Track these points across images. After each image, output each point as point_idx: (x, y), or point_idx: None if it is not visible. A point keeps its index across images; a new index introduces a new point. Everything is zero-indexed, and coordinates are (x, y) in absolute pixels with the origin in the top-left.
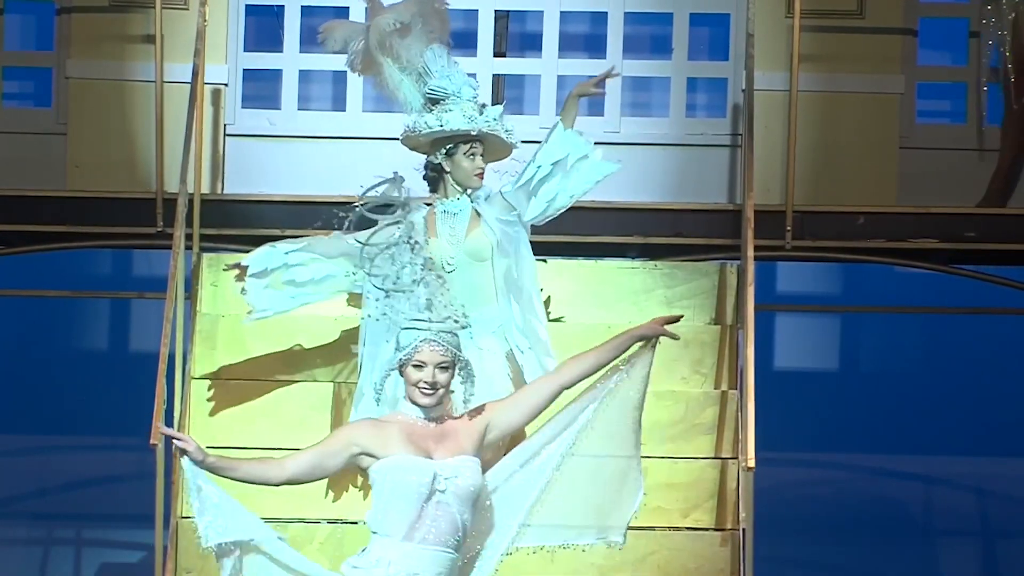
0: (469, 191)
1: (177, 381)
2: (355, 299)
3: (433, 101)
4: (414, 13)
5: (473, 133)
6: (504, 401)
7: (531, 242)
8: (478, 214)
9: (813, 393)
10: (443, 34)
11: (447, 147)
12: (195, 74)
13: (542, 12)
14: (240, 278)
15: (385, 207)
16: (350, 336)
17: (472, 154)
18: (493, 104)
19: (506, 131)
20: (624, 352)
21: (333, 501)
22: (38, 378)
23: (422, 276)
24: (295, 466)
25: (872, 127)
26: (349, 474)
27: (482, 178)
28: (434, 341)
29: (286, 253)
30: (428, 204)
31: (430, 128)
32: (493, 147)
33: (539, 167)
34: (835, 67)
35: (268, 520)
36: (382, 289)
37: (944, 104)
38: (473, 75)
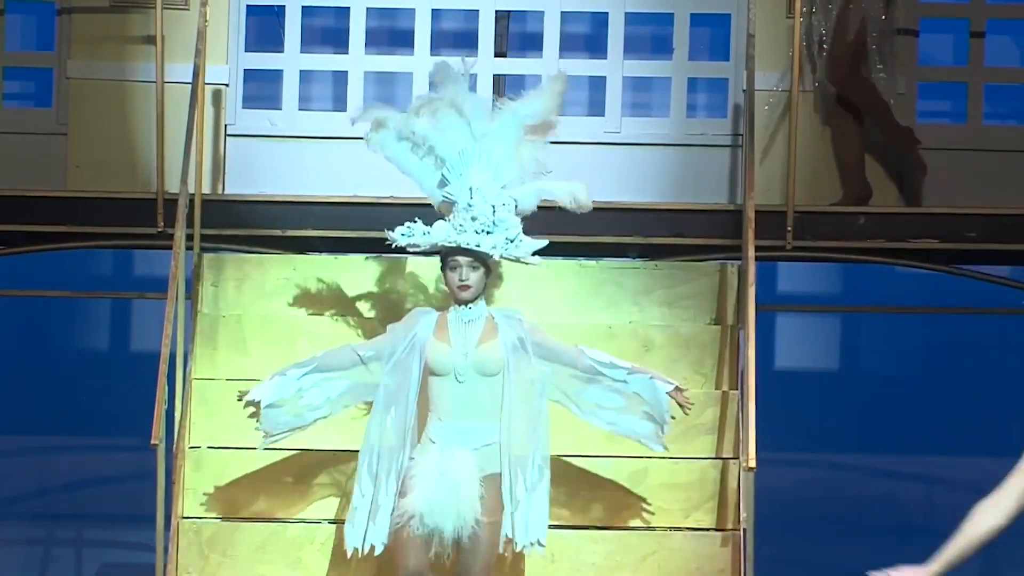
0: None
1: (178, 381)
2: (353, 300)
3: (446, 207)
4: (450, 103)
5: (449, 245)
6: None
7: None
8: (495, 326)
9: (814, 393)
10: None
11: (440, 257)
12: (196, 74)
13: (543, 12)
14: (254, 414)
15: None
16: (350, 336)
17: (454, 267)
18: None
19: (493, 247)
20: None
21: (333, 501)
22: (39, 378)
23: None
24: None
25: (871, 127)
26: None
27: (467, 291)
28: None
29: (298, 379)
30: (440, 309)
31: (421, 241)
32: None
33: (629, 377)
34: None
35: (268, 520)
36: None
37: (944, 104)
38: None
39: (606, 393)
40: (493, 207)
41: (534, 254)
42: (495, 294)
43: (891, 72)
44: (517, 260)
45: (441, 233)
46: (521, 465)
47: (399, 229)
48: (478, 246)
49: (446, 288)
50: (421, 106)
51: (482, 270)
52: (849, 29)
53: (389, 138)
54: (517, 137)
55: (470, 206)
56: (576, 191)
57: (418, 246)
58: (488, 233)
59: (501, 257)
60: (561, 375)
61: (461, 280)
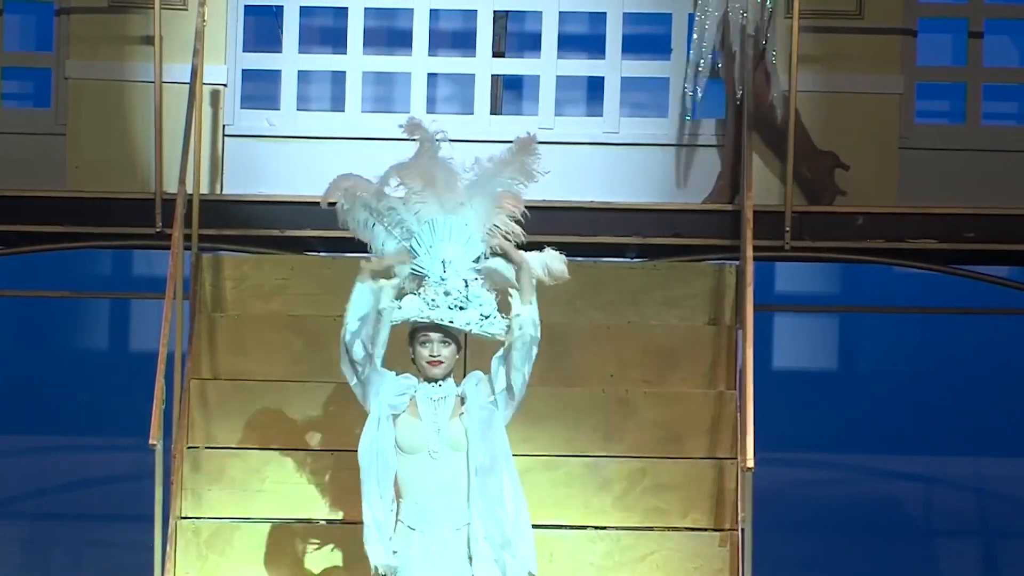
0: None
1: (176, 381)
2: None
3: (416, 280)
4: (424, 178)
5: (422, 321)
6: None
7: (531, 242)
8: (462, 401)
9: (812, 393)
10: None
11: (409, 330)
12: (194, 74)
13: (541, 12)
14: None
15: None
16: None
17: (424, 342)
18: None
19: (467, 323)
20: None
21: (330, 501)
22: (38, 378)
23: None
24: None
25: (871, 127)
26: (344, 474)
27: (439, 367)
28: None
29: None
30: (409, 377)
31: (394, 318)
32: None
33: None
34: (834, 67)
35: (268, 520)
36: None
37: (943, 104)
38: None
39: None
40: (465, 282)
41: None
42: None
43: (774, 71)
44: (492, 337)
45: (413, 308)
46: (492, 511)
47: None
48: (451, 322)
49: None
50: (392, 175)
51: (453, 346)
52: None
53: (358, 209)
54: (489, 209)
55: (443, 280)
56: (550, 262)
57: (392, 321)
58: (461, 309)
59: (474, 334)
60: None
61: (432, 356)
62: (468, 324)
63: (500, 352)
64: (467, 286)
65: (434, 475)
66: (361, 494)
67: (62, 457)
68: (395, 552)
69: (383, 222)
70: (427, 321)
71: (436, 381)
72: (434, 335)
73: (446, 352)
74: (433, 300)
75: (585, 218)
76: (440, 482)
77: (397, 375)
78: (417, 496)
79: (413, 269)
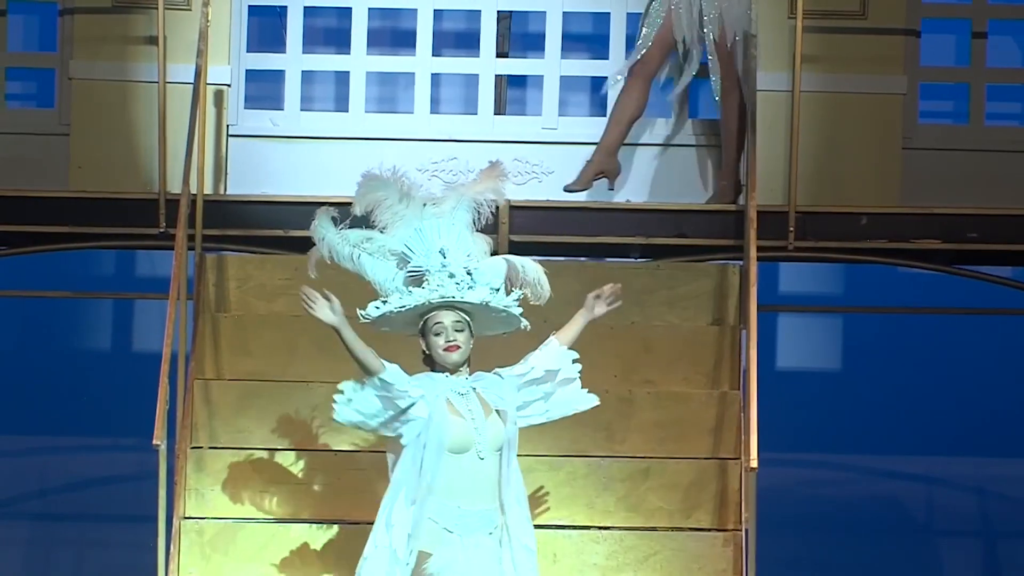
0: (466, 372)
1: (180, 382)
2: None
3: (414, 282)
4: (395, 196)
5: (433, 303)
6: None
7: (532, 242)
8: (482, 397)
9: (815, 393)
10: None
11: (418, 324)
12: (198, 75)
13: (544, 12)
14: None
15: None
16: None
17: (438, 331)
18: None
19: (480, 299)
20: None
21: (334, 501)
22: (41, 379)
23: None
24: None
25: (874, 127)
26: (348, 474)
27: (456, 351)
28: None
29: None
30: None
31: (400, 303)
32: (483, 317)
33: (532, 367)
34: (837, 68)
35: (272, 520)
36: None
37: (947, 104)
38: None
39: (527, 389)
40: (467, 270)
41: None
42: None
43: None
44: (507, 314)
45: (422, 293)
46: (525, 514)
47: (372, 304)
48: (463, 298)
49: (427, 364)
50: (361, 197)
51: (467, 331)
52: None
53: (339, 246)
54: (467, 222)
55: (444, 266)
56: (540, 276)
57: (401, 307)
58: (470, 288)
59: (489, 306)
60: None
61: (448, 341)
62: (481, 298)
63: (520, 375)
64: (469, 274)
65: (477, 477)
66: (380, 511)
67: (65, 457)
68: (430, 555)
69: (365, 249)
70: (440, 300)
71: (454, 372)
72: (447, 320)
73: (461, 337)
74: (440, 285)
75: (589, 218)
76: (482, 484)
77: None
78: (459, 498)
79: (410, 272)
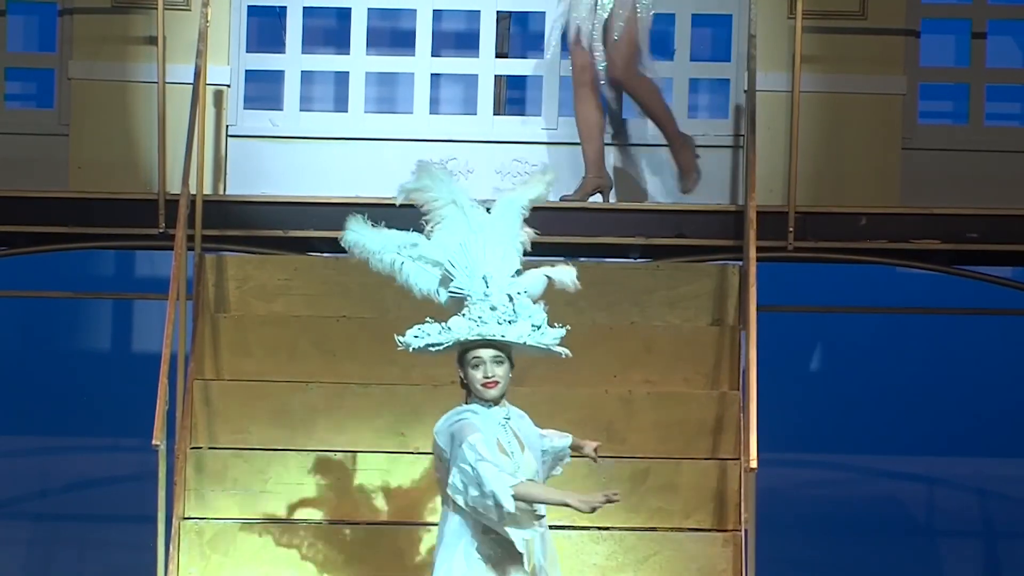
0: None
1: (179, 382)
2: (355, 303)
3: (456, 304)
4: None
5: (474, 339)
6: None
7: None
8: (514, 429)
9: (815, 394)
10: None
11: (457, 355)
12: (197, 75)
13: (543, 13)
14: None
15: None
16: (351, 336)
17: (477, 364)
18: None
19: (519, 336)
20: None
21: (334, 502)
22: (41, 379)
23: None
24: None
25: (874, 128)
26: (348, 475)
27: (495, 387)
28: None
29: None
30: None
31: (439, 339)
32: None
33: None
34: (837, 68)
35: (271, 521)
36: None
37: (946, 105)
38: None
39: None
40: (509, 296)
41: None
42: None
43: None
44: (546, 350)
45: (462, 328)
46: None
47: (410, 332)
48: (503, 336)
49: (464, 388)
50: (410, 192)
51: (507, 364)
52: (617, 30)
53: (384, 253)
54: (517, 225)
55: (486, 296)
56: (572, 277)
57: (438, 345)
58: (511, 323)
59: (527, 346)
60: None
61: (487, 376)
62: (520, 337)
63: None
64: (511, 300)
65: None
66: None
67: (65, 458)
68: None
69: (410, 255)
70: (479, 339)
71: (491, 403)
72: (486, 354)
73: (500, 371)
74: (480, 317)
75: (589, 218)
76: None
77: (458, 410)
78: (484, 529)
79: (452, 292)
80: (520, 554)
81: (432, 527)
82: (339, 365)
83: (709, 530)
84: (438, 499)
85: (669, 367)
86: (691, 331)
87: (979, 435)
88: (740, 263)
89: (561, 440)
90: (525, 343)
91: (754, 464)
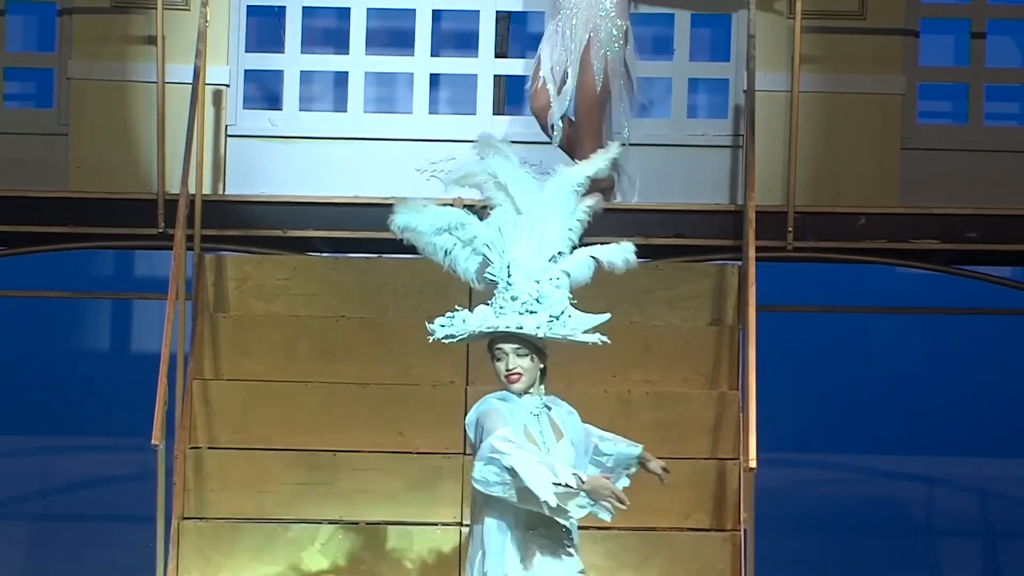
0: (540, 390)
1: (179, 382)
2: (354, 302)
3: (490, 289)
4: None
5: (487, 332)
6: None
7: None
8: (553, 420)
9: (814, 394)
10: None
11: (487, 344)
12: (196, 75)
13: (543, 13)
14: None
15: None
16: (350, 336)
17: (500, 356)
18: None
19: (536, 328)
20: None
21: (333, 502)
22: (40, 379)
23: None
24: None
25: (873, 128)
26: (348, 474)
27: (518, 380)
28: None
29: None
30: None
31: (458, 330)
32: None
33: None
34: (836, 68)
35: (268, 520)
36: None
37: (946, 105)
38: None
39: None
40: (537, 282)
41: (589, 331)
42: None
43: (627, 109)
44: (564, 339)
45: (478, 319)
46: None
47: (439, 320)
48: (520, 328)
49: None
50: (462, 178)
51: (530, 356)
52: (591, 71)
53: (434, 236)
54: (568, 204)
55: (509, 285)
56: (628, 254)
57: (454, 337)
58: (532, 313)
59: (547, 338)
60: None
61: (508, 369)
62: (538, 328)
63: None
64: (539, 286)
65: None
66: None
67: (64, 458)
68: None
69: (460, 238)
70: (491, 331)
71: (521, 394)
72: (508, 346)
73: (524, 363)
74: (501, 308)
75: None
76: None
77: (486, 397)
78: (539, 525)
79: (486, 278)
80: (567, 544)
81: (432, 526)
82: (338, 365)
83: (708, 530)
84: (437, 498)
85: (668, 367)
86: (690, 331)
87: (979, 435)
88: (739, 263)
89: (629, 448)
90: (541, 336)
91: (753, 464)
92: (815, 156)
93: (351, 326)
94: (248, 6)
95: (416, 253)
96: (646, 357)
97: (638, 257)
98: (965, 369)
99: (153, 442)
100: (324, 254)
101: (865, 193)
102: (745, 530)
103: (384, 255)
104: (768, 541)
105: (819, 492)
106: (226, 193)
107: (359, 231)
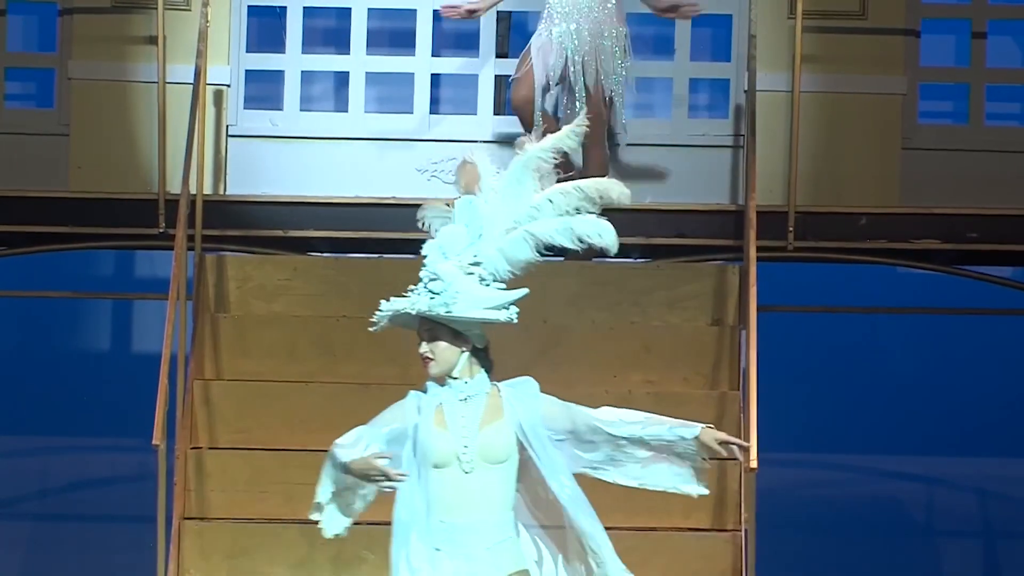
0: (468, 376)
1: (179, 382)
2: (355, 303)
3: None
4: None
5: (385, 314)
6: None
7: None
8: (500, 402)
9: (815, 394)
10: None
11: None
12: (197, 75)
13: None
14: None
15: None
16: (351, 336)
17: (418, 340)
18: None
19: (416, 309)
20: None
21: None
22: (40, 379)
23: None
24: None
25: (874, 128)
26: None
27: (429, 364)
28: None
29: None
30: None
31: (382, 315)
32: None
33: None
34: (837, 68)
35: (268, 520)
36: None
37: (946, 105)
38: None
39: (623, 449)
40: (451, 263)
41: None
42: None
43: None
44: (453, 318)
45: (391, 303)
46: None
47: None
48: (402, 309)
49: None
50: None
51: (442, 341)
52: (596, 106)
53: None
54: (518, 186)
55: (424, 267)
56: (608, 188)
57: (374, 325)
58: (434, 293)
59: (427, 315)
60: (577, 444)
61: (421, 353)
62: (414, 306)
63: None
64: (448, 265)
65: (465, 491)
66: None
67: (65, 458)
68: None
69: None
70: (388, 313)
71: (443, 383)
72: (422, 330)
73: (435, 348)
74: (413, 289)
75: None
76: (471, 498)
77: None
78: (443, 513)
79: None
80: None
81: None
82: (339, 365)
83: (709, 530)
84: None
85: (669, 367)
86: (691, 331)
87: (979, 435)
88: (740, 263)
89: (673, 431)
90: (413, 311)
91: (754, 464)
92: (816, 156)
93: (352, 326)
94: (249, 6)
95: (416, 253)
96: (646, 357)
97: (639, 257)
98: (966, 369)
99: (154, 442)
100: (325, 254)
101: (866, 193)
102: (746, 530)
103: (385, 255)
104: (768, 541)
105: (819, 492)
106: (227, 193)
107: (360, 231)
